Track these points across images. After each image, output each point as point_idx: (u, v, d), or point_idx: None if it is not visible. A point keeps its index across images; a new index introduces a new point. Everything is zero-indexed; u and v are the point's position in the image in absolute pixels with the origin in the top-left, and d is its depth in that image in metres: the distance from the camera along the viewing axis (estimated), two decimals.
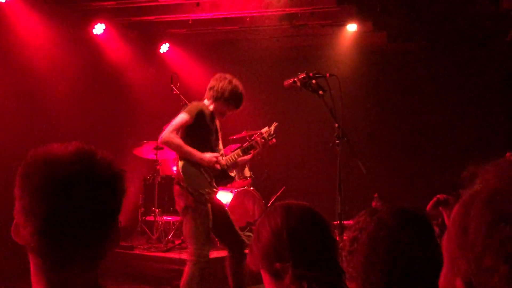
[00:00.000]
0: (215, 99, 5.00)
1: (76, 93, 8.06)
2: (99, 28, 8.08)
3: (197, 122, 4.82)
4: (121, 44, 8.64)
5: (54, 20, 7.62)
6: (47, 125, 7.63)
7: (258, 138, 5.26)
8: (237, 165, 5.36)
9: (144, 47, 9.05)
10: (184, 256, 6.63)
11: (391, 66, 9.19)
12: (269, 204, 7.72)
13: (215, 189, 4.96)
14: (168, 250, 6.95)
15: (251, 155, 5.28)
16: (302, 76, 4.61)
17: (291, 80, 4.66)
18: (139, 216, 7.63)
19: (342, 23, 8.57)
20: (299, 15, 8.26)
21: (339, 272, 1.82)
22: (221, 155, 5.06)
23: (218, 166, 4.92)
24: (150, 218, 7.55)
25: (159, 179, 7.56)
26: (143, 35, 9.01)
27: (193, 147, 4.81)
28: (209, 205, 4.84)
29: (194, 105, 4.94)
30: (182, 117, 4.79)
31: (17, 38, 7.26)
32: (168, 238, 7.23)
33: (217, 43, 9.57)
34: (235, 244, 5.03)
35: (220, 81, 5.03)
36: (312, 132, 9.01)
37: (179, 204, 4.82)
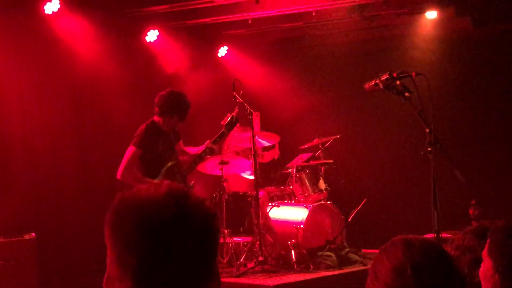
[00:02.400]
0: (161, 115, 6.15)
1: (130, 104, 8.25)
2: (152, 35, 8.25)
3: (146, 148, 5.95)
4: (176, 50, 8.78)
5: (104, 29, 7.86)
6: (103, 138, 7.88)
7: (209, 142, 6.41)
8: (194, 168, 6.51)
9: (201, 51, 9.17)
10: (258, 281, 6.66)
11: (479, 54, 8.93)
12: (349, 220, 7.64)
13: None
14: (240, 275, 6.97)
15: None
16: (384, 77, 4.54)
17: (373, 82, 4.60)
18: None
19: (419, 11, 8.43)
20: (371, 5, 8.18)
21: None
22: (176, 164, 6.19)
23: None
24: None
25: (226, 197, 7.60)
26: (199, 39, 9.13)
27: (148, 168, 5.96)
28: None
29: (139, 134, 6.02)
30: (131, 152, 5.95)
31: (68, 49, 7.53)
32: (239, 261, 7.25)
33: (281, 42, 9.59)
34: None
35: (163, 97, 6.16)
36: (397, 137, 8.86)
37: None
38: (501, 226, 2.43)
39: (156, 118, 6.18)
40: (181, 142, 6.67)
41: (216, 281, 1.41)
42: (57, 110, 7.49)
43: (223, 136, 6.47)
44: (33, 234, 6.57)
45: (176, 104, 6.18)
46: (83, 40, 7.63)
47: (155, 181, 5.83)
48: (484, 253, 2.44)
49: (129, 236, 1.33)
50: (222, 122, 6.44)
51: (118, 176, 5.96)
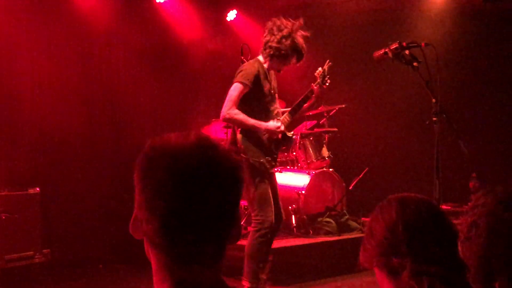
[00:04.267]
0: (272, 56, 5.24)
1: (138, 67, 8.33)
2: None
3: (252, 88, 5.13)
4: (184, 12, 8.79)
5: None
6: (109, 97, 7.97)
7: (314, 87, 5.56)
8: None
9: (210, 15, 9.17)
10: None
11: (488, 29, 8.94)
12: (350, 188, 7.76)
13: (275, 155, 5.41)
14: (242, 237, 7.11)
15: (307, 104, 5.60)
16: (394, 46, 4.61)
17: (382, 51, 4.67)
18: None
19: None
20: None
21: (461, 266, 1.87)
22: (276, 114, 5.37)
23: (280, 135, 5.33)
24: None
25: None
26: (209, 2, 9.11)
27: (249, 113, 5.15)
28: (270, 172, 5.38)
29: (246, 71, 5.16)
30: (237, 88, 5.10)
31: (76, 13, 7.59)
32: (241, 223, 7.38)
33: (290, 8, 9.54)
34: (275, 218, 5.33)
35: (275, 34, 5.20)
36: (402, 107, 8.91)
37: None
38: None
39: (261, 58, 5.35)
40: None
41: (237, 228, 1.51)
42: (65, 69, 7.55)
43: (307, 99, 5.60)
44: (38, 189, 6.68)
45: (293, 48, 5.23)
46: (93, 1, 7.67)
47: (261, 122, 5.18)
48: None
49: (159, 180, 1.41)
50: (315, 74, 5.72)
51: (223, 117, 5.13)
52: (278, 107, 5.47)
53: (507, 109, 8.80)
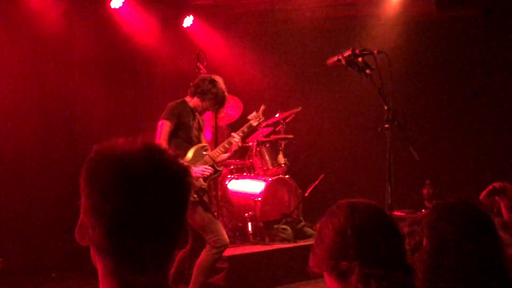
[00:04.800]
0: (196, 98, 5.73)
1: (92, 74, 8.24)
2: (117, 1, 8.16)
3: (178, 123, 5.56)
4: (140, 18, 8.73)
5: None
6: (62, 102, 7.87)
7: (232, 139, 5.82)
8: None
9: (166, 20, 9.12)
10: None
11: (440, 37, 9.12)
12: (306, 194, 7.80)
13: (203, 187, 5.61)
14: None
15: (228, 154, 5.88)
16: (347, 53, 4.67)
17: (335, 58, 4.73)
18: None
19: None
20: None
21: (408, 269, 1.91)
22: (205, 150, 5.75)
23: (204, 176, 5.57)
24: None
25: None
26: (165, 7, 9.07)
27: (177, 147, 5.49)
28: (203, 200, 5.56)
29: (172, 108, 5.62)
30: (162, 125, 5.52)
31: (31, 15, 7.45)
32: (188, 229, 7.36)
33: (247, 15, 9.61)
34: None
35: (205, 82, 5.73)
36: (357, 114, 9.03)
37: None
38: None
39: (187, 98, 5.79)
40: (203, 135, 6.12)
41: (184, 233, 1.51)
42: (17, 76, 7.42)
43: (249, 128, 6.16)
44: None
45: (212, 91, 5.74)
46: (46, 4, 7.55)
47: (184, 160, 5.47)
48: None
49: (105, 186, 1.40)
50: (248, 117, 6.19)
51: None
52: (206, 144, 5.85)
53: (459, 116, 8.98)
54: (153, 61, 8.98)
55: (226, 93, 5.81)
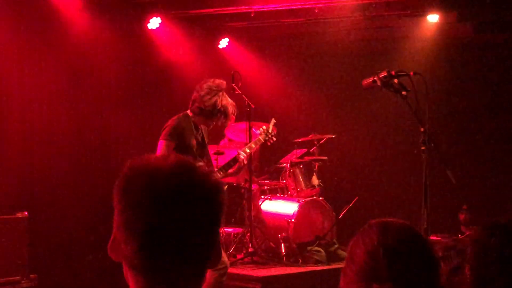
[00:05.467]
0: (198, 113, 5.46)
1: (129, 91, 8.33)
2: (154, 22, 8.27)
3: (178, 143, 5.30)
4: (177, 39, 8.82)
5: (107, 13, 7.89)
6: (97, 123, 7.95)
7: (238, 156, 5.61)
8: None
9: (202, 42, 9.21)
10: (247, 272, 6.75)
11: (478, 60, 9.02)
12: (340, 216, 7.73)
13: None
14: (229, 265, 7.04)
15: (233, 169, 5.66)
16: (383, 74, 4.62)
17: (371, 79, 4.68)
18: None
19: (421, 14, 8.50)
20: (373, 5, 8.24)
21: None
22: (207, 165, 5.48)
23: None
24: None
25: None
26: (201, 29, 9.17)
27: None
28: None
29: (172, 128, 5.36)
30: (162, 146, 5.30)
31: (69, 31, 7.56)
32: (229, 251, 7.33)
33: (282, 37, 9.65)
34: None
35: (204, 93, 5.43)
36: (392, 136, 8.95)
37: None
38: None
39: (190, 112, 5.50)
40: (207, 149, 5.79)
41: (216, 251, 1.49)
42: (55, 91, 7.54)
43: (257, 143, 5.88)
44: (26, 213, 6.62)
45: (212, 106, 5.45)
46: (84, 24, 7.67)
47: None
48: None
49: (138, 202, 1.40)
50: (257, 131, 5.90)
51: None
52: (209, 159, 5.64)
53: (497, 140, 8.83)
54: (188, 82, 9.03)
55: (228, 102, 5.51)
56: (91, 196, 7.67)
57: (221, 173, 5.57)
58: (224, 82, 5.63)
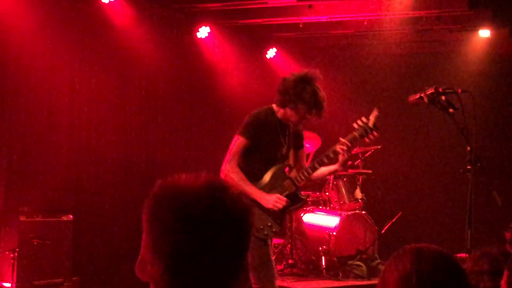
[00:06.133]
0: (286, 105, 4.57)
1: (177, 99, 8.40)
2: (203, 31, 8.33)
3: (256, 139, 4.52)
4: (225, 48, 8.86)
5: (157, 22, 7.99)
6: (146, 128, 8.02)
7: (338, 148, 4.60)
8: (312, 180, 4.82)
9: (250, 51, 9.23)
10: (286, 283, 6.70)
11: None
12: (383, 231, 7.62)
13: (278, 221, 4.58)
14: None
15: (336, 166, 4.67)
16: (430, 91, 4.51)
17: (417, 96, 4.58)
18: None
19: (473, 29, 8.36)
20: (424, 19, 8.13)
21: None
22: (287, 171, 4.70)
23: (275, 209, 4.49)
24: None
25: None
26: (250, 39, 9.20)
27: (254, 169, 4.57)
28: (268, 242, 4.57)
29: (249, 122, 4.57)
30: (237, 141, 4.54)
31: (119, 40, 7.66)
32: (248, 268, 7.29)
33: (330, 48, 9.60)
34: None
35: (292, 83, 4.54)
36: (438, 153, 8.82)
37: None
38: None
39: (275, 107, 4.64)
40: (301, 152, 4.90)
41: (244, 273, 1.46)
42: (104, 96, 7.65)
43: (353, 141, 4.66)
44: (71, 216, 6.73)
45: (303, 94, 4.53)
46: (134, 31, 7.76)
47: (259, 184, 4.57)
48: (502, 284, 2.42)
49: (166, 223, 1.38)
50: (354, 125, 4.77)
51: (221, 173, 4.53)
52: (289, 163, 4.75)
53: None
54: (235, 92, 9.06)
55: (321, 92, 4.64)
56: (134, 204, 7.73)
57: (316, 165, 4.61)
58: (318, 71, 4.73)
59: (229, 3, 7.96)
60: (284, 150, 4.68)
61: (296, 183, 4.63)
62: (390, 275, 1.86)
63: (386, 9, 7.82)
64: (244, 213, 1.44)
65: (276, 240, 7.63)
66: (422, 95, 4.59)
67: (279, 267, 7.26)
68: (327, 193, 7.90)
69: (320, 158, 4.65)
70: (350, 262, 7.22)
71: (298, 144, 4.83)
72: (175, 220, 1.38)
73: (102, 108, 7.61)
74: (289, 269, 7.06)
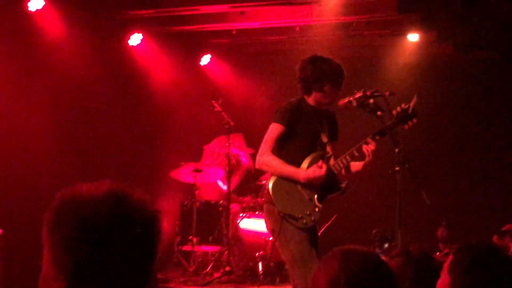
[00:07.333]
0: (311, 90, 4.63)
1: (109, 109, 8.21)
2: (135, 39, 8.19)
3: (292, 127, 4.50)
4: (158, 55, 8.74)
5: (87, 30, 7.79)
6: (79, 141, 7.82)
7: (365, 147, 4.57)
8: (352, 171, 4.78)
9: (184, 59, 9.14)
10: None
11: (458, 79, 9.02)
12: (318, 234, 7.63)
13: (316, 210, 4.53)
14: (206, 284, 6.94)
15: (360, 166, 4.70)
16: (358, 95, 4.56)
17: (346, 100, 4.62)
18: (175, 246, 7.64)
19: (402, 33, 8.50)
20: (354, 24, 8.23)
21: None
22: (327, 158, 4.63)
23: (318, 180, 4.43)
24: (187, 247, 7.55)
25: (198, 205, 7.58)
26: (183, 46, 9.10)
27: (291, 157, 4.48)
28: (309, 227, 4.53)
29: (285, 108, 4.57)
30: (273, 129, 4.48)
31: (49, 48, 7.43)
32: (206, 270, 7.22)
33: (263, 54, 9.62)
34: None
35: (308, 66, 4.68)
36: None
37: (268, 225, 4.58)
38: (468, 245, 2.44)
39: (306, 96, 4.67)
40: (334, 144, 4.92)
41: (152, 284, 1.40)
42: (35, 108, 7.40)
43: (390, 128, 4.44)
44: (0, 231, 6.49)
45: (324, 69, 4.65)
46: (64, 39, 7.56)
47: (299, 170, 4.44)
48: (445, 268, 2.44)
49: (66, 236, 1.31)
50: (393, 112, 4.45)
51: (256, 163, 4.49)
52: (328, 151, 4.70)
53: (475, 157, 8.83)
54: (169, 99, 8.96)
55: (334, 61, 4.78)
56: None
57: (355, 152, 4.63)
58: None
59: (162, 9, 7.86)
60: (324, 138, 4.68)
61: (334, 170, 4.56)
62: (319, 278, 1.85)
63: (317, 15, 7.87)
64: (150, 220, 1.37)
65: (213, 248, 7.56)
66: (351, 99, 4.63)
67: (216, 274, 7.19)
68: (263, 198, 7.86)
69: (350, 152, 4.66)
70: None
71: (334, 133, 4.89)
72: (75, 231, 1.30)
73: (31, 118, 7.37)
74: (226, 277, 6.98)
